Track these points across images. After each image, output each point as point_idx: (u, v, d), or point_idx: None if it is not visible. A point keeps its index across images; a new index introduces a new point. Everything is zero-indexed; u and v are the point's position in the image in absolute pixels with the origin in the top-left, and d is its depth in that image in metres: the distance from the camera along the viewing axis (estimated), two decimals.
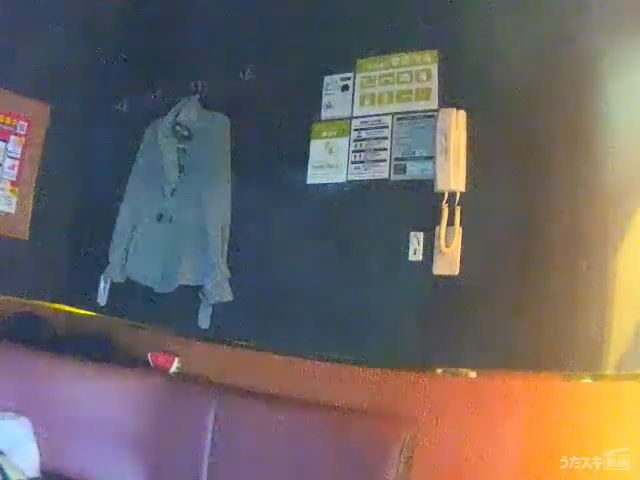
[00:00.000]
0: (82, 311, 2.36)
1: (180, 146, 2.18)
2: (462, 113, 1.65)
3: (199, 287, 2.03)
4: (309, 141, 1.95)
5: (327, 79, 1.96)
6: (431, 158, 1.69)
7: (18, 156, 2.34)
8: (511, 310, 1.55)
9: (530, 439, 1.45)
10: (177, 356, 2.01)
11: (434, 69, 1.77)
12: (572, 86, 1.57)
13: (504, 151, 1.63)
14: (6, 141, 2.31)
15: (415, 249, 1.69)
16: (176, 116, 2.19)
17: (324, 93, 1.96)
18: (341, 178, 1.88)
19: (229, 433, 1.71)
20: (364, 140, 1.86)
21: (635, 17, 1.52)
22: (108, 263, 2.27)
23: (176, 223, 2.15)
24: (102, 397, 1.89)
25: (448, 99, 1.71)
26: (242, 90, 2.11)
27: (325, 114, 1.95)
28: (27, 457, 1.74)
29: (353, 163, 1.87)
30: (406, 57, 1.83)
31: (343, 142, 1.90)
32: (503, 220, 1.60)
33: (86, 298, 2.33)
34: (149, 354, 2.04)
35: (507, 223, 1.60)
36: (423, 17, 1.79)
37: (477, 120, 1.66)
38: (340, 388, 1.69)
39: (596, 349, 1.45)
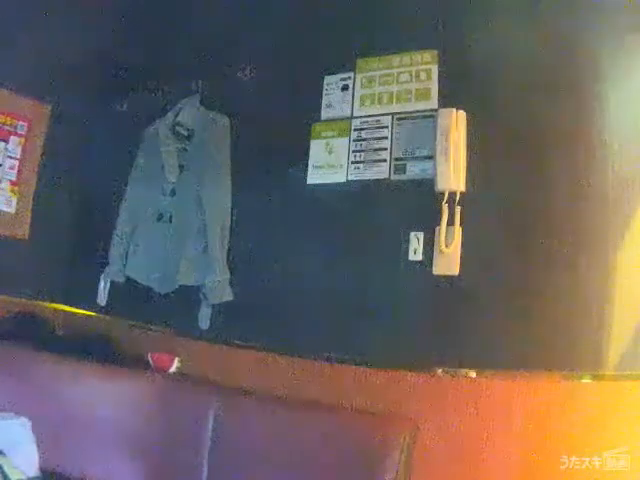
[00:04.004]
0: (82, 311, 2.36)
1: (180, 146, 2.19)
2: (462, 113, 1.65)
3: (199, 287, 2.03)
4: (309, 141, 1.96)
5: (327, 79, 1.96)
6: (431, 158, 1.69)
7: (18, 156, 2.34)
8: (511, 310, 1.55)
9: (530, 439, 1.44)
10: (177, 356, 2.01)
11: (434, 69, 1.77)
12: (572, 86, 1.57)
13: (504, 151, 1.63)
14: (6, 141, 2.31)
15: (415, 249, 1.70)
16: (176, 116, 2.19)
17: (324, 93, 1.96)
18: (341, 178, 1.88)
19: (229, 433, 1.71)
20: (364, 140, 1.86)
21: (635, 17, 1.52)
22: (108, 263, 2.27)
23: (176, 223, 2.15)
24: (102, 397, 1.89)
25: (448, 99, 1.71)
26: (242, 90, 2.11)
27: (325, 114, 1.95)
28: (27, 457, 1.74)
29: (353, 163, 1.87)
30: (406, 57, 1.83)
31: (343, 142, 1.90)
32: (503, 220, 1.60)
33: (86, 298, 2.33)
34: (149, 354, 2.03)
35: (507, 223, 1.60)
36: (423, 17, 1.79)
37: (477, 120, 1.66)
38: (340, 388, 1.69)
39: (596, 349, 1.45)
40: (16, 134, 2.34)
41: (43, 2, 2.32)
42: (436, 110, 1.72)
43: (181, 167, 2.18)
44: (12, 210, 2.33)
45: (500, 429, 1.48)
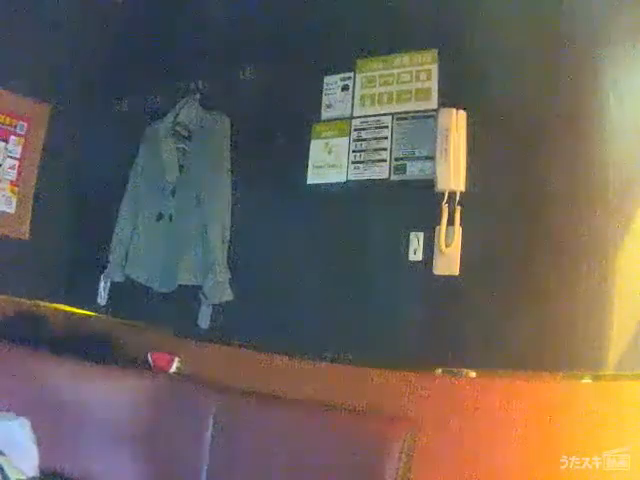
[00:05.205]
0: (82, 311, 2.36)
1: (180, 146, 2.18)
2: (462, 113, 1.65)
3: (199, 287, 2.03)
4: (309, 141, 1.96)
5: (327, 79, 1.96)
6: (431, 158, 1.69)
7: (18, 156, 2.34)
8: (511, 310, 1.55)
9: (530, 439, 1.44)
10: (177, 356, 2.01)
11: (434, 69, 1.77)
12: (572, 86, 1.57)
13: (504, 151, 1.63)
14: (6, 141, 2.31)
15: (415, 249, 1.70)
16: (176, 116, 2.19)
17: (324, 93, 1.96)
18: (341, 178, 1.88)
19: (229, 433, 1.71)
20: (364, 140, 1.86)
21: (635, 16, 1.52)
22: (108, 263, 2.27)
23: (176, 223, 2.15)
24: (102, 397, 1.89)
25: (448, 99, 1.71)
26: (242, 90, 2.11)
27: (325, 114, 1.95)
28: (27, 457, 1.74)
29: (353, 163, 1.87)
30: (406, 57, 1.83)
31: (343, 142, 1.90)
32: (503, 220, 1.60)
33: (86, 298, 2.33)
34: (149, 354, 2.03)
35: (507, 223, 1.60)
36: (423, 17, 1.79)
37: (477, 120, 1.66)
38: (340, 388, 1.69)
39: (596, 349, 1.46)
40: (16, 134, 2.33)
41: (43, 2, 2.32)
42: (436, 110, 1.72)
43: (181, 167, 2.18)
44: (12, 210, 2.33)
45: (500, 429, 1.48)
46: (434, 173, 1.65)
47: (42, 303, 2.36)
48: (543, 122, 1.59)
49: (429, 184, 1.67)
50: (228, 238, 2.05)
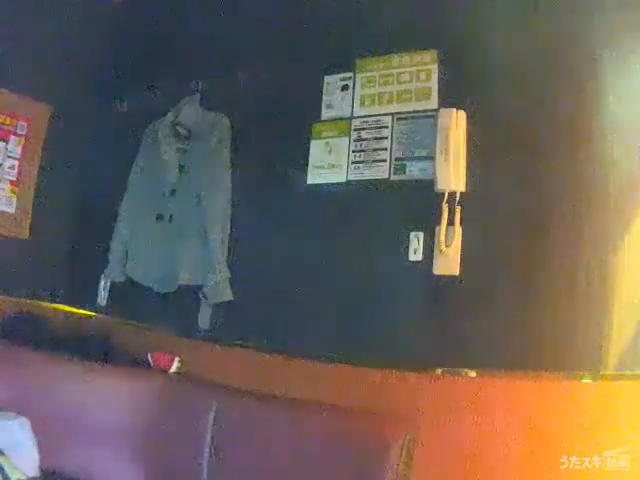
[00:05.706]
0: (82, 311, 2.36)
1: (180, 146, 2.18)
2: (462, 113, 1.65)
3: (199, 287, 2.03)
4: (309, 141, 1.96)
5: (327, 79, 1.96)
6: (431, 158, 1.69)
7: (18, 156, 2.34)
8: (511, 310, 1.55)
9: (530, 439, 1.44)
10: (177, 356, 2.01)
11: (434, 69, 1.77)
12: (572, 86, 1.57)
13: (504, 151, 1.63)
14: (6, 141, 2.31)
15: (415, 249, 1.70)
16: (176, 116, 2.19)
17: (324, 93, 1.96)
18: (341, 178, 1.88)
19: (229, 433, 1.71)
20: (364, 140, 1.86)
21: (635, 16, 1.52)
22: (108, 263, 2.27)
23: (176, 223, 2.15)
24: (102, 397, 1.89)
25: (448, 99, 1.71)
26: (242, 90, 2.11)
27: (325, 114, 1.95)
28: (27, 457, 1.73)
29: (353, 163, 1.87)
30: (406, 57, 1.83)
31: (343, 142, 1.90)
32: (503, 220, 1.61)
33: (86, 298, 2.33)
34: (149, 354, 2.03)
35: (507, 223, 1.60)
36: (423, 17, 1.79)
37: (477, 120, 1.66)
38: (340, 388, 1.69)
39: (596, 349, 1.45)
40: (16, 134, 2.33)
41: (43, 2, 2.32)
42: (436, 110, 1.72)
43: (181, 167, 2.18)
44: (12, 210, 2.33)
45: (500, 429, 1.48)
46: (434, 173, 1.65)
47: (42, 303, 2.36)
48: (543, 122, 1.59)
49: (429, 184, 1.67)
50: (228, 238, 2.05)
